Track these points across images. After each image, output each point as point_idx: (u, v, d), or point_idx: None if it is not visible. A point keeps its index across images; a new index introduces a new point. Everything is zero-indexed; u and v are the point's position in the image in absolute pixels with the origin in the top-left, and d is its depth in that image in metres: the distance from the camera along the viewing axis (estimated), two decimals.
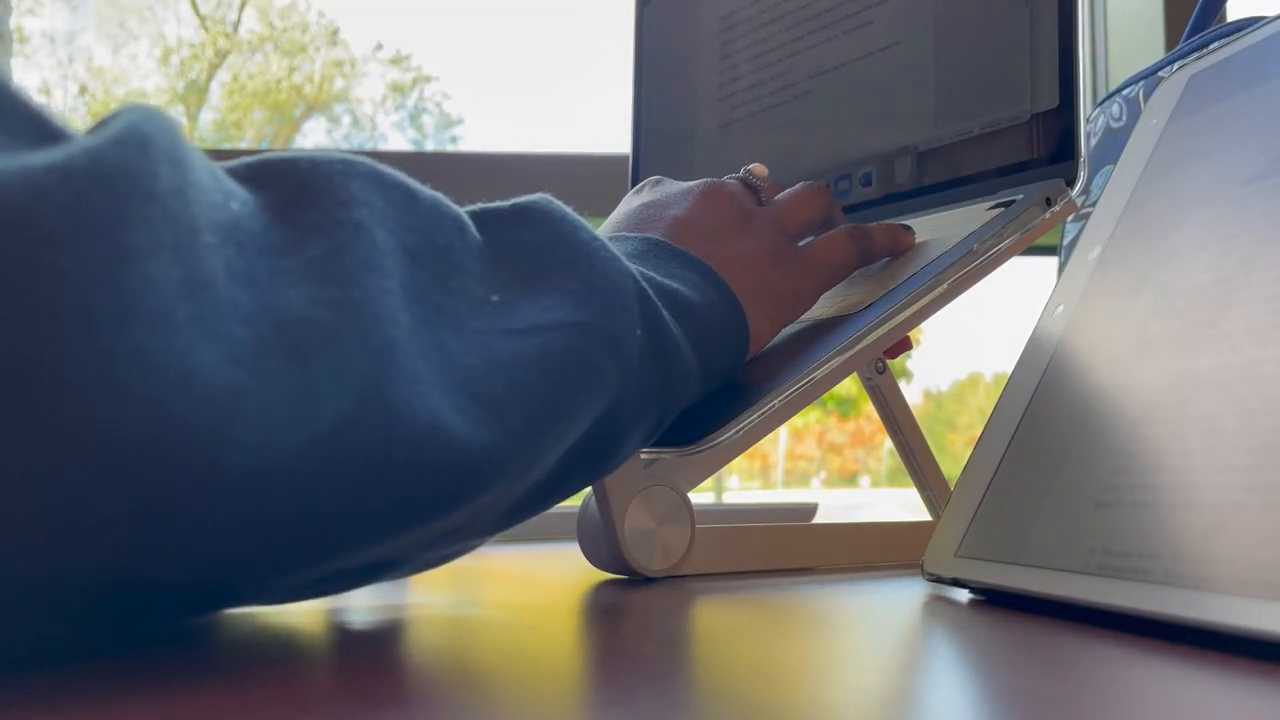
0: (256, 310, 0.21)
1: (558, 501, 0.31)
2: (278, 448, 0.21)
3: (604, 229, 0.44)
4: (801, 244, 0.45)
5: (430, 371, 0.24)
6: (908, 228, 0.49)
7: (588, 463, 0.31)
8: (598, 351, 0.29)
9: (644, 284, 0.32)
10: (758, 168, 0.47)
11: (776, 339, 0.47)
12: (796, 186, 0.47)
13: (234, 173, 0.25)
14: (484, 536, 0.30)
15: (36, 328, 0.18)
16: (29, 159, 0.19)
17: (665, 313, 0.33)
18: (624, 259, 0.32)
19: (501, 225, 0.30)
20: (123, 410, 0.19)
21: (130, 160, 0.20)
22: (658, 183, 0.46)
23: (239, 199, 0.23)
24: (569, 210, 0.32)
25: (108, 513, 0.19)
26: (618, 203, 0.47)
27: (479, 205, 0.31)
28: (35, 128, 0.20)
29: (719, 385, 0.39)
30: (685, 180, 0.46)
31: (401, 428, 0.23)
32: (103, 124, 0.21)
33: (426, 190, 0.28)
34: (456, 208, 0.29)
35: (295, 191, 0.24)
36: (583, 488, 0.32)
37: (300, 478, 0.21)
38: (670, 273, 0.36)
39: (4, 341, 0.18)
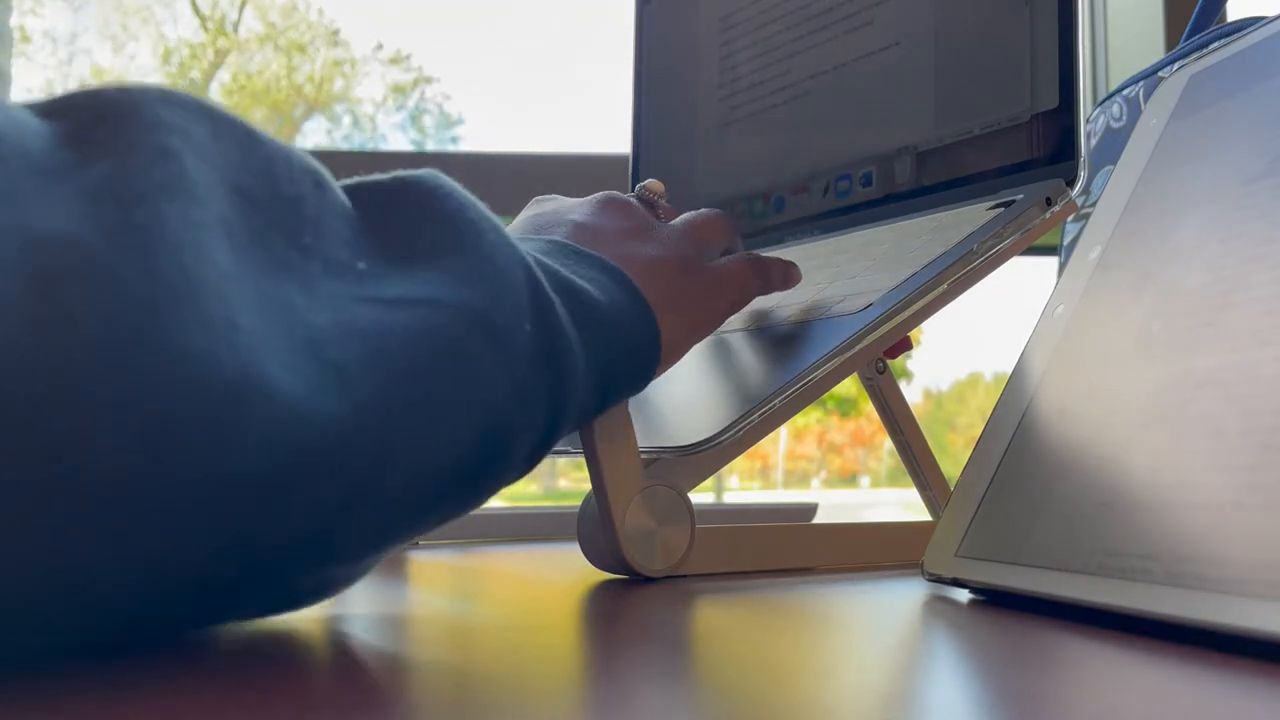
0: (6, 228, 0.18)
1: (437, 522, 0.27)
2: (15, 375, 0.18)
3: None
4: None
5: (256, 322, 0.21)
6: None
7: (468, 473, 0.27)
8: (477, 340, 0.25)
9: (539, 273, 0.29)
10: (653, 184, 0.44)
11: (778, 339, 0.47)
12: (698, 210, 0.44)
13: (39, 106, 0.22)
14: (361, 553, 0.25)
15: None
16: None
17: (561, 310, 0.29)
18: (518, 246, 0.29)
19: (377, 194, 0.27)
20: None
21: None
22: (548, 199, 0.43)
23: (30, 129, 0.20)
24: (459, 187, 0.29)
25: None
26: None
27: (355, 178, 0.28)
28: None
29: (625, 399, 0.36)
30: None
31: (192, 378, 0.19)
32: None
33: (276, 140, 0.25)
34: (317, 164, 0.26)
35: (94, 117, 0.21)
36: (463, 509, 0.28)
37: (44, 410, 0.18)
38: (575, 271, 0.33)
39: None
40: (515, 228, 0.41)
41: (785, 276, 0.45)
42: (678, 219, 0.43)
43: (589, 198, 0.41)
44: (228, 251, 0.21)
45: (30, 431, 0.18)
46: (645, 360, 0.35)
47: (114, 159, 0.20)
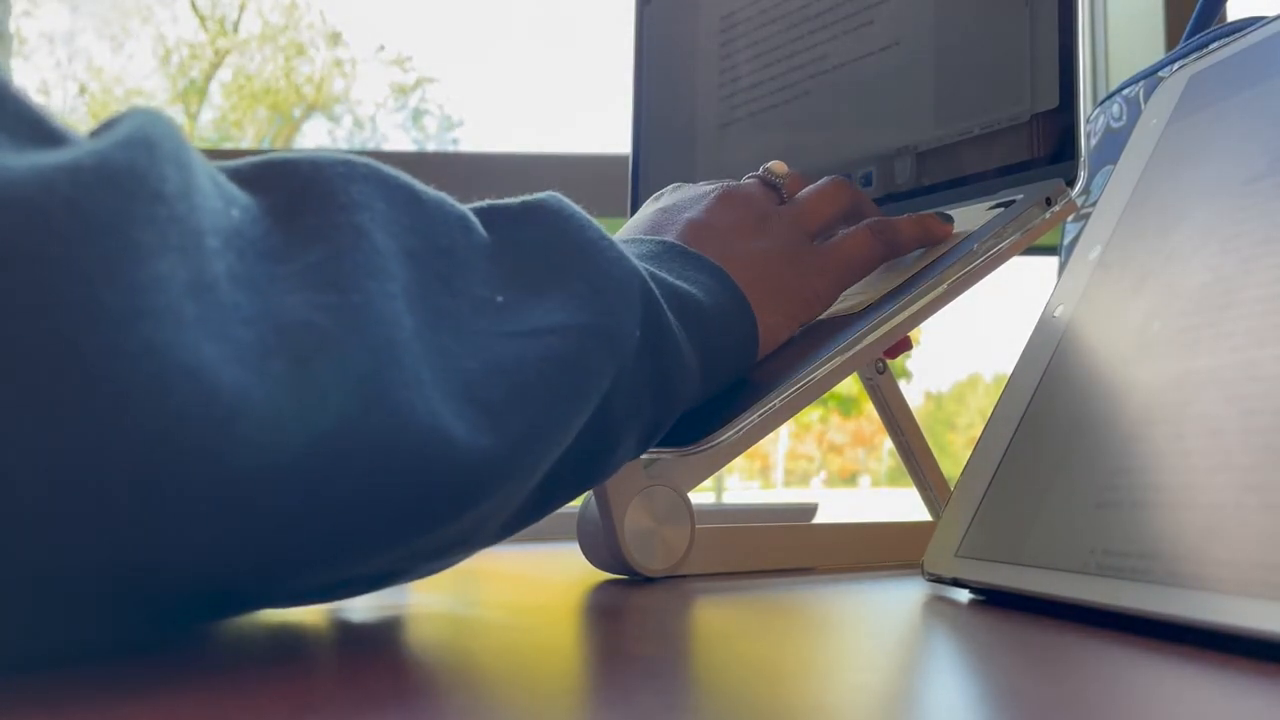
0: (258, 314, 0.21)
1: (557, 507, 0.31)
2: (282, 446, 0.21)
3: (620, 234, 0.44)
4: (822, 242, 0.44)
5: (432, 375, 0.24)
6: (946, 216, 0.47)
7: (583, 464, 0.30)
8: (596, 352, 0.29)
9: (651, 284, 0.32)
10: (776, 165, 0.46)
11: None
12: (819, 182, 0.46)
13: (235, 174, 0.25)
14: (486, 544, 0.29)
15: (43, 322, 0.18)
16: (38, 158, 0.19)
17: (669, 313, 0.33)
18: (633, 258, 0.32)
19: (509, 223, 0.30)
20: (130, 406, 0.19)
21: (137, 161, 0.20)
22: (676, 188, 0.46)
23: (239, 205, 0.23)
24: (578, 209, 0.32)
25: (114, 509, 0.19)
26: (618, 203, 0.47)
27: (487, 202, 0.30)
28: (35, 129, 0.20)
29: (724, 387, 0.39)
30: (701, 180, 0.45)
31: (404, 430, 0.23)
32: (107, 126, 0.21)
33: (430, 191, 0.28)
34: (461, 207, 0.29)
35: (296, 195, 0.24)
36: (580, 492, 0.32)
37: (304, 478, 0.21)
38: (681, 274, 0.36)
39: (12, 336, 0.18)
40: (634, 222, 0.44)
41: (923, 233, 0.46)
42: (798, 195, 0.45)
43: (709, 190, 0.44)
44: (408, 314, 0.24)
45: (299, 491, 0.21)
46: (745, 349, 0.38)
47: (323, 246, 0.24)
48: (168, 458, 0.19)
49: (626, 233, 0.44)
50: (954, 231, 0.47)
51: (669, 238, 0.40)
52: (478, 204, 0.30)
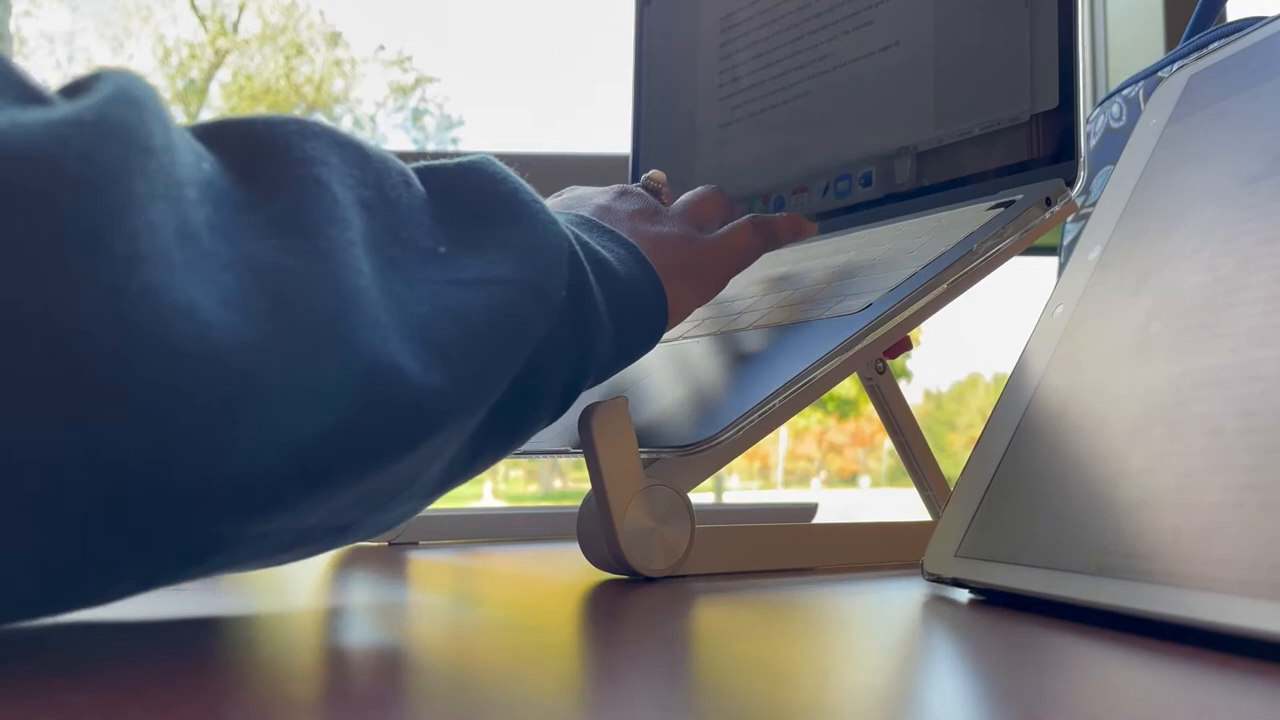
0: (235, 259, 0.23)
1: (481, 469, 0.33)
2: (266, 382, 0.22)
3: None
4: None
5: (389, 317, 0.26)
6: (811, 218, 0.53)
7: (508, 419, 0.32)
8: (532, 308, 0.30)
9: (577, 247, 0.34)
10: (656, 174, 0.50)
11: (778, 339, 0.47)
12: (695, 190, 0.49)
13: (195, 132, 0.26)
14: (425, 499, 0.31)
15: (54, 262, 0.19)
16: (43, 113, 0.20)
17: (591, 276, 0.35)
18: (562, 222, 0.34)
19: (446, 182, 0.32)
20: (132, 343, 0.20)
21: (128, 116, 0.21)
22: (571, 189, 0.49)
23: (208, 160, 0.25)
24: (511, 171, 0.34)
25: (118, 439, 0.20)
26: None
27: (424, 163, 0.32)
28: (21, 90, 0.21)
29: (638, 357, 0.41)
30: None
31: (368, 367, 0.24)
32: (82, 85, 0.22)
33: (375, 145, 0.30)
34: (402, 164, 0.31)
35: (254, 151, 0.26)
36: (503, 455, 0.34)
37: (283, 411, 0.23)
38: (600, 243, 0.38)
39: (24, 275, 0.19)
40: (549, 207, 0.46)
41: (795, 229, 0.50)
42: (678, 201, 0.48)
43: (606, 188, 0.48)
44: (365, 260, 0.26)
45: (279, 420, 0.23)
46: (655, 321, 0.40)
47: (287, 197, 0.25)
48: (167, 386, 0.21)
49: None
50: (951, 233, 0.47)
51: (585, 214, 0.42)
52: (416, 163, 0.32)
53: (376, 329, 0.25)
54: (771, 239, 0.49)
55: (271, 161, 0.26)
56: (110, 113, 0.21)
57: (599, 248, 0.37)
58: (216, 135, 0.26)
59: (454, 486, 0.32)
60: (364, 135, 0.30)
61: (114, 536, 0.22)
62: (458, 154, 0.35)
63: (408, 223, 0.29)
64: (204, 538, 0.25)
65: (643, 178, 0.50)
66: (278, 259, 0.24)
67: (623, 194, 0.46)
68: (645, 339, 0.40)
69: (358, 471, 0.26)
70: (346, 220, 0.26)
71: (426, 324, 0.27)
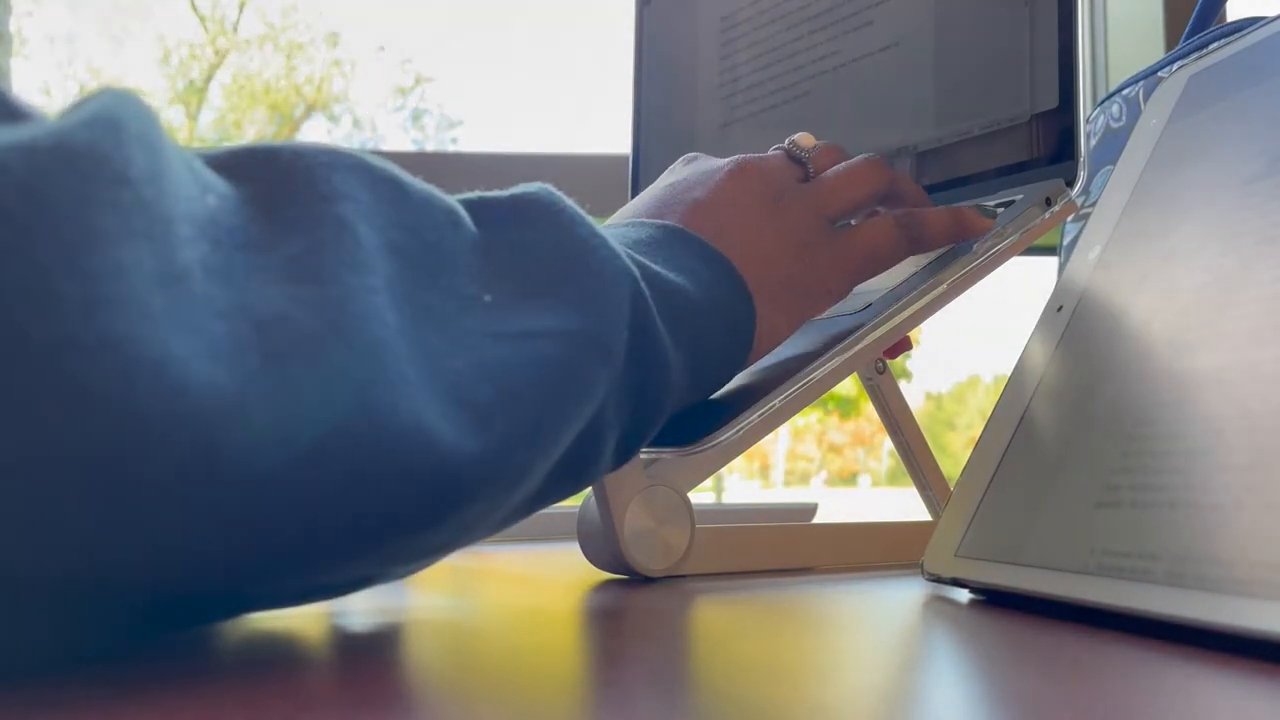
0: (232, 307, 0.20)
1: (531, 513, 0.30)
2: (255, 446, 0.20)
3: (630, 209, 0.42)
4: (843, 227, 0.42)
5: (417, 374, 0.23)
6: (989, 211, 0.44)
7: (567, 474, 0.29)
8: (589, 360, 0.28)
9: (641, 285, 0.31)
10: (803, 137, 0.42)
11: None
12: (850, 160, 0.42)
13: (213, 162, 0.24)
14: (467, 546, 0.29)
15: None
16: (2, 135, 0.18)
17: (657, 316, 0.31)
18: (624, 256, 0.31)
19: (499, 219, 0.29)
20: (88, 402, 0.17)
21: (99, 142, 0.19)
22: (692, 159, 0.43)
23: (216, 192, 0.22)
24: (569, 203, 0.31)
25: (74, 511, 0.18)
26: (618, 203, 0.47)
27: (476, 194, 0.29)
28: None
29: (720, 387, 0.38)
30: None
31: (388, 433, 0.22)
32: (75, 107, 0.20)
33: (418, 183, 0.27)
34: (450, 200, 0.28)
35: (276, 184, 0.23)
36: (564, 497, 0.31)
37: (278, 480, 0.20)
38: (678, 264, 0.34)
39: None
40: (645, 196, 0.42)
41: (956, 227, 0.43)
42: (828, 172, 0.41)
43: (721, 165, 0.41)
44: (392, 310, 0.23)
45: (276, 496, 0.20)
46: (740, 348, 0.36)
47: (304, 237, 0.22)
48: (130, 456, 0.18)
49: (633, 209, 0.42)
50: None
51: (671, 220, 0.38)
52: (466, 195, 0.29)
53: (400, 387, 0.22)
54: (920, 240, 0.42)
55: (293, 196, 0.23)
56: (75, 137, 0.18)
57: (672, 274, 0.33)
58: (236, 164, 0.23)
59: (497, 533, 0.29)
60: (407, 175, 0.27)
61: (88, 620, 0.22)
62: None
63: (449, 267, 0.26)
64: (184, 619, 0.24)
65: (788, 140, 0.43)
66: (282, 307, 0.21)
67: (738, 176, 0.40)
68: (726, 369, 0.36)
69: (370, 546, 0.23)
70: (368, 265, 0.23)
71: (462, 382, 0.24)
